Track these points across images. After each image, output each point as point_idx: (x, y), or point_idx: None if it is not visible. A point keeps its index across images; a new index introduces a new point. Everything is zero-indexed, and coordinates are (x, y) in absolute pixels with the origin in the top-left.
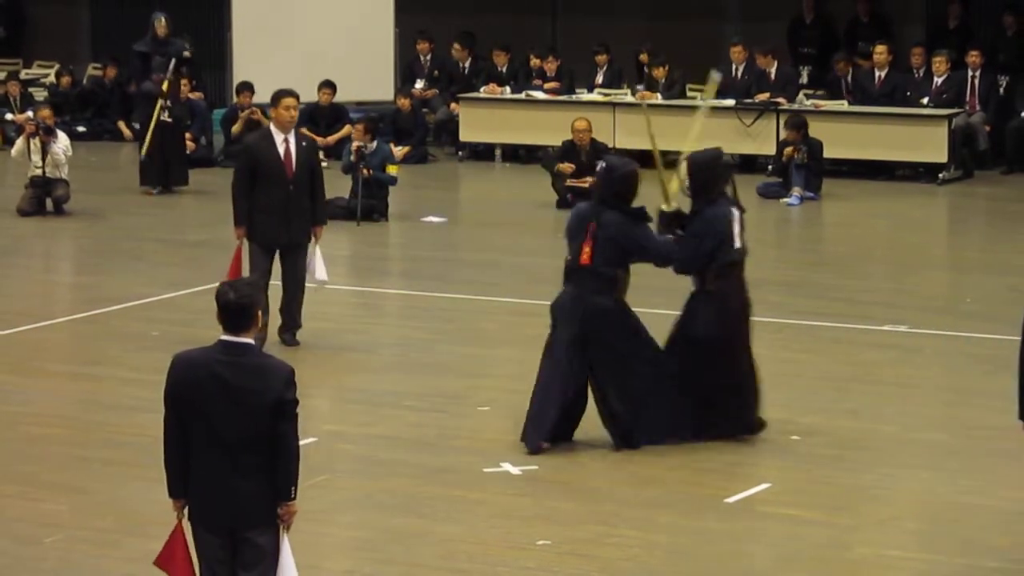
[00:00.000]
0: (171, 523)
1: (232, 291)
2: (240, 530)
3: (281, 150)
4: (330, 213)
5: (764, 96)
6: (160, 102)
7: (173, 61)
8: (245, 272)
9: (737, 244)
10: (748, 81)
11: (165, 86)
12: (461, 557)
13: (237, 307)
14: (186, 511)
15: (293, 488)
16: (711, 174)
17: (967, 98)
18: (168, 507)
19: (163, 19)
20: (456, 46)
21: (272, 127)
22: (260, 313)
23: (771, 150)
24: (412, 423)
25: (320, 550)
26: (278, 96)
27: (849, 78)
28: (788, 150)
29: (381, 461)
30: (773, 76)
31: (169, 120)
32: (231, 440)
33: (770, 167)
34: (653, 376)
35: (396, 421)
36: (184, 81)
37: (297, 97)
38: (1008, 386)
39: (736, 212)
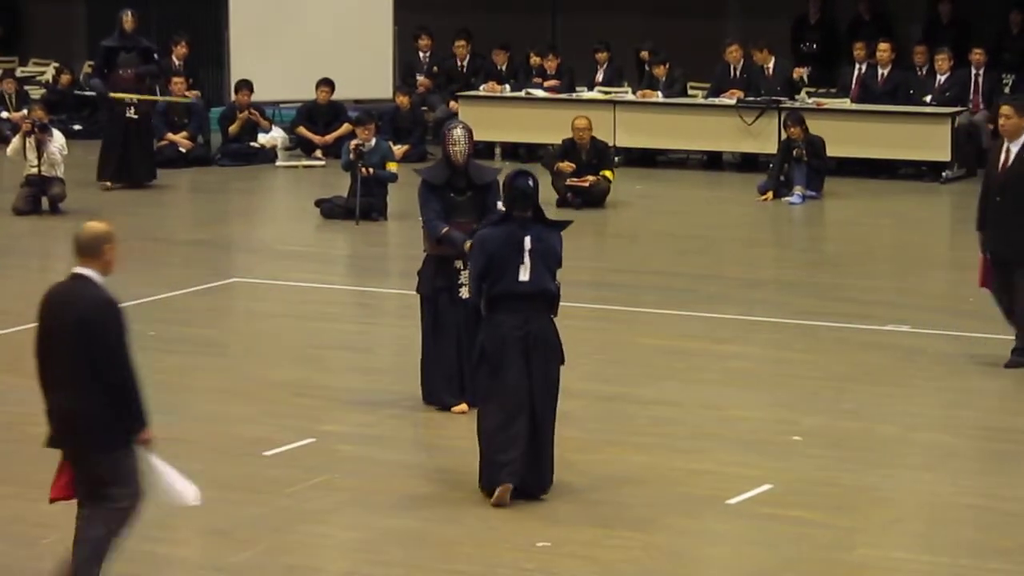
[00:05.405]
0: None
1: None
2: None
3: (1002, 158)
4: (329, 212)
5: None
6: (128, 98)
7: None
8: None
9: (523, 276)
10: (747, 80)
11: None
12: (460, 558)
13: None
14: None
15: None
16: (505, 193)
17: (971, 96)
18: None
19: (130, 14)
20: (460, 42)
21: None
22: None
23: (772, 148)
24: (411, 423)
25: (319, 551)
26: (996, 106)
27: (864, 66)
28: (797, 151)
29: (380, 462)
30: (771, 71)
31: (135, 117)
32: None
33: (771, 166)
34: None
35: (395, 421)
36: (180, 80)
37: (1018, 109)
38: (1010, 387)
39: (529, 240)
